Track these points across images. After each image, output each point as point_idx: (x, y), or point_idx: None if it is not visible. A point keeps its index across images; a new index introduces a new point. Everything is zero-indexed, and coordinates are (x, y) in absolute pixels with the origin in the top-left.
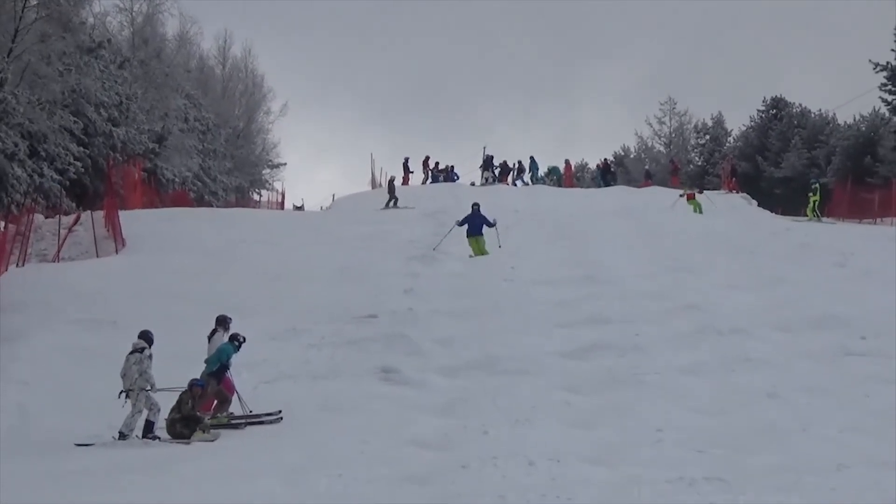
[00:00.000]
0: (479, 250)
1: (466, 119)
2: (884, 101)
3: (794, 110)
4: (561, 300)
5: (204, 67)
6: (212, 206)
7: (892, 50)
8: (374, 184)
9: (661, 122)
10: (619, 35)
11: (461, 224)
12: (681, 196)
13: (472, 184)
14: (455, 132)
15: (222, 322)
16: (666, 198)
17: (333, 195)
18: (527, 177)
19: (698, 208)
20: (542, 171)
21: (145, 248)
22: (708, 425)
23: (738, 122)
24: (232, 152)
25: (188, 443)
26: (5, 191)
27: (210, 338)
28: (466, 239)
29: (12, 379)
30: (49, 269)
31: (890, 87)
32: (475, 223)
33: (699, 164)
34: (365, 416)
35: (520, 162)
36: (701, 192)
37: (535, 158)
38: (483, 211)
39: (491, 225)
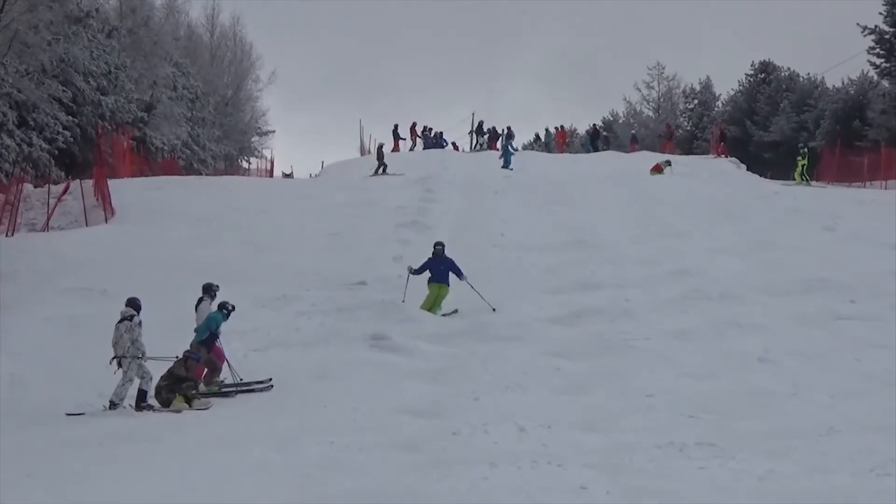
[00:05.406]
0: (435, 302)
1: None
2: (872, 64)
3: (783, 74)
4: (551, 266)
5: (192, 35)
6: (201, 174)
7: (880, 13)
8: (362, 150)
9: (649, 87)
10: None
11: (417, 272)
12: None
13: (458, 148)
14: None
15: (208, 290)
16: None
17: (322, 162)
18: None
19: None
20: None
21: (135, 217)
22: (698, 390)
23: (726, 86)
24: (221, 120)
25: (178, 411)
26: None
27: (197, 306)
28: (428, 284)
29: (3, 349)
30: (39, 238)
31: (878, 50)
32: (439, 270)
33: (688, 128)
34: (356, 383)
35: (509, 128)
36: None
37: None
38: (453, 251)
39: (461, 276)
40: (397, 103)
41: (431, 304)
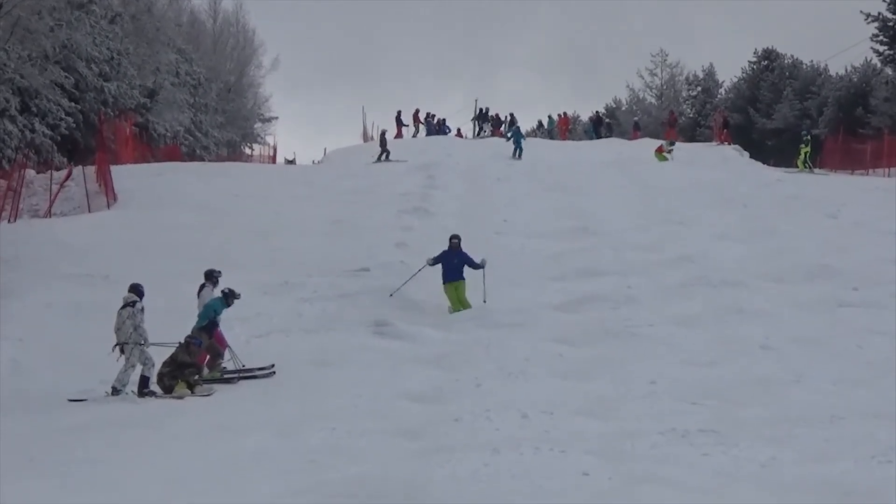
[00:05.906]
0: (460, 301)
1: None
2: (875, 51)
3: (786, 62)
4: (554, 253)
5: (195, 21)
6: (203, 160)
7: (884, 1)
8: (365, 137)
9: (652, 75)
10: None
11: (434, 262)
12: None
13: (462, 135)
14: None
15: (210, 276)
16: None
17: (325, 149)
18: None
19: (663, 159)
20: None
21: (137, 203)
22: (701, 377)
23: (729, 73)
24: (223, 106)
25: (181, 398)
26: None
27: (199, 293)
28: (442, 285)
29: (6, 335)
30: (41, 224)
31: (881, 37)
32: (452, 264)
33: (691, 115)
34: (358, 369)
35: (512, 115)
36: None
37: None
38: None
39: (477, 266)
40: (400, 90)
41: (458, 305)
